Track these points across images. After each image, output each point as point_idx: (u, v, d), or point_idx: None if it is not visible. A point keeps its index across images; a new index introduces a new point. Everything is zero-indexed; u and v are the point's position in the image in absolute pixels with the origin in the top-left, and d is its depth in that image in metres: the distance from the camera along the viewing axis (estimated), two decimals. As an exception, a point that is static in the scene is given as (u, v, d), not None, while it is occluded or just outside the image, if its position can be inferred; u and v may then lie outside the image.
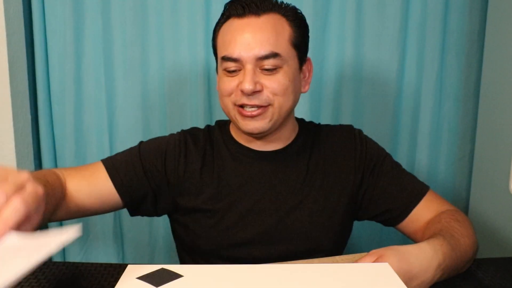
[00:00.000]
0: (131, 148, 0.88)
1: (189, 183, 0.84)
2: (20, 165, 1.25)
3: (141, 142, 0.89)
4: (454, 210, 0.82)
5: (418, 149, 1.39)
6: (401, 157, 1.39)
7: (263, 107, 0.78)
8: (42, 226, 0.62)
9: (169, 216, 0.92)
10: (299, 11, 0.84)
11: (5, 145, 1.22)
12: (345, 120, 1.35)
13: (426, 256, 0.64)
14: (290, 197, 0.83)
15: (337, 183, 0.86)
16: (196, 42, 1.31)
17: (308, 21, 1.33)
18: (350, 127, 0.92)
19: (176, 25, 1.31)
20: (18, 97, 1.25)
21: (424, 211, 0.83)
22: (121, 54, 1.32)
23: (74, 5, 1.29)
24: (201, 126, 1.32)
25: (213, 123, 0.97)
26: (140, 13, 1.31)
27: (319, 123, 0.95)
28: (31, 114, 1.32)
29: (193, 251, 0.86)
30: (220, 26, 0.83)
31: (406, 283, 0.54)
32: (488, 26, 1.29)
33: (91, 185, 0.80)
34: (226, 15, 0.82)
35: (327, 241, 0.85)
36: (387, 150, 0.92)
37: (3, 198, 0.45)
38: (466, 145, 1.40)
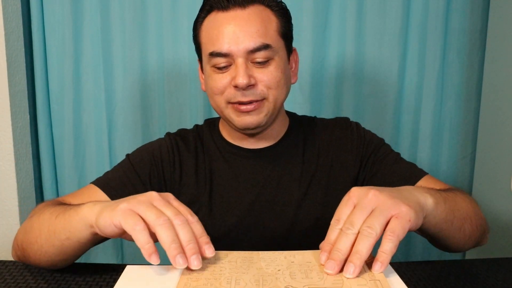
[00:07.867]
0: (120, 163, 0.84)
1: (185, 188, 0.82)
2: (18, 165, 1.24)
3: (128, 155, 0.85)
4: (453, 188, 0.76)
5: (420, 149, 1.39)
6: (402, 157, 1.38)
7: (258, 101, 0.76)
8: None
9: None
10: (280, 1, 0.80)
11: (4, 145, 1.22)
12: (346, 120, 1.34)
13: (409, 187, 0.61)
14: (287, 194, 0.82)
15: (337, 177, 0.83)
16: (195, 41, 1.30)
17: (309, 20, 1.32)
18: (346, 120, 0.90)
19: (175, 24, 1.31)
20: (17, 96, 1.24)
21: None
22: (120, 53, 1.31)
23: (72, 4, 1.28)
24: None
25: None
26: (139, 12, 1.30)
27: (314, 117, 0.93)
28: (30, 114, 1.31)
29: None
30: (202, 21, 0.79)
31: (392, 204, 0.52)
32: (490, 24, 1.28)
33: None
34: (206, 9, 0.77)
35: None
36: (389, 149, 0.91)
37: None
38: (468, 144, 1.39)
